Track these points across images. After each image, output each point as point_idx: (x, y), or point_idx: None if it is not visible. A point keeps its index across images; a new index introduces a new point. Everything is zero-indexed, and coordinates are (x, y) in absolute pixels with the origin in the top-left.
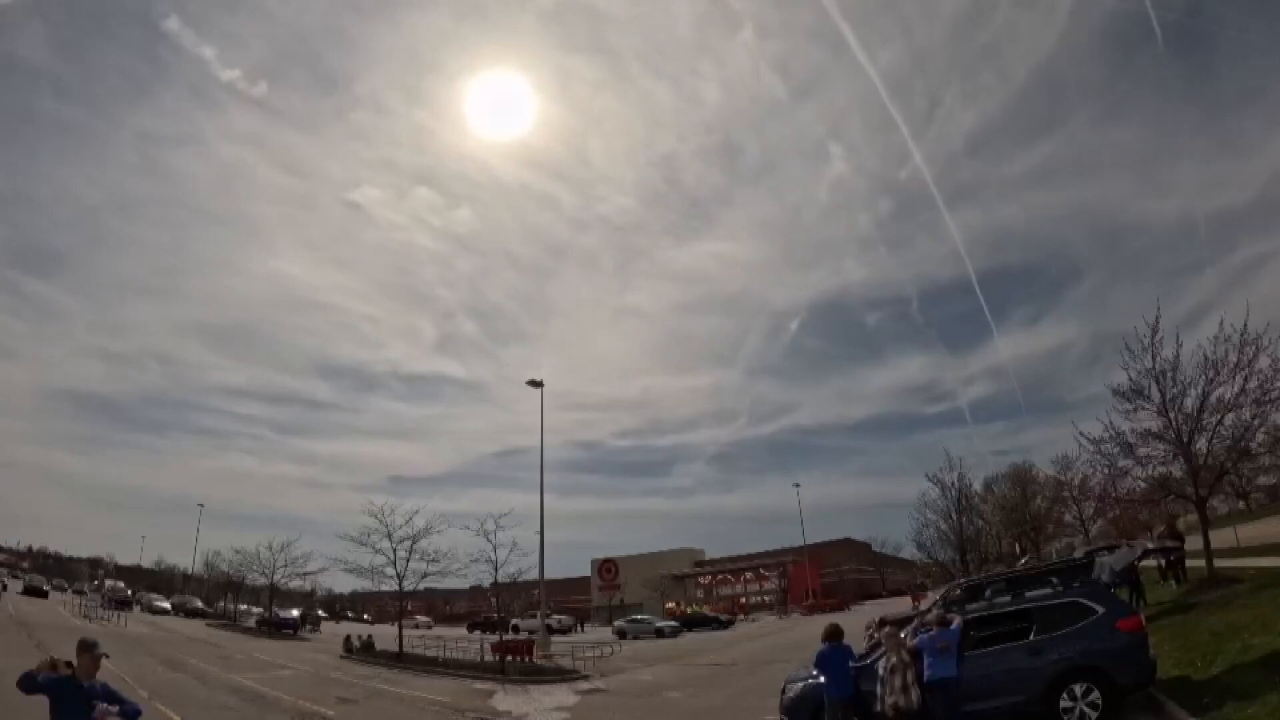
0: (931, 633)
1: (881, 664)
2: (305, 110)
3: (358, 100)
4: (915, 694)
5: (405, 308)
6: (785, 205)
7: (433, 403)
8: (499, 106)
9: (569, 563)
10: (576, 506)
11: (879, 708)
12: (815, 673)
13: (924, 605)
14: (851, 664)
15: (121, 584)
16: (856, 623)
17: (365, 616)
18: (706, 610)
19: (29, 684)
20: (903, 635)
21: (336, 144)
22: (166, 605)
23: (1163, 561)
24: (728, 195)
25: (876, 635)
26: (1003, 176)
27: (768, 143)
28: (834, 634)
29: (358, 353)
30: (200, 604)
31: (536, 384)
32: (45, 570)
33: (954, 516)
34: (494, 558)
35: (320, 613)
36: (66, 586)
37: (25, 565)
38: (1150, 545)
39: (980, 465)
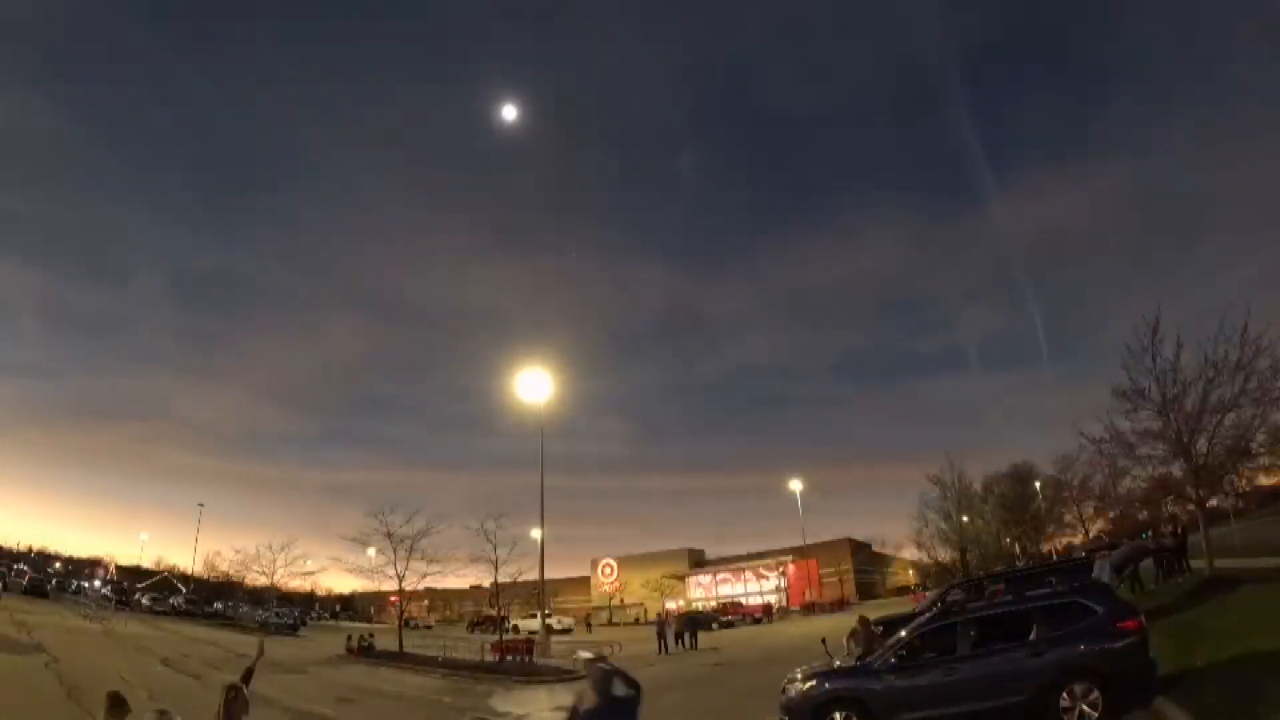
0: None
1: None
2: None
3: None
4: None
5: None
6: None
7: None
8: None
9: (568, 562)
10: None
11: None
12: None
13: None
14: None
15: (123, 584)
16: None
17: (365, 616)
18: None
19: None
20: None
21: None
22: (167, 605)
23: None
24: None
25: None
26: None
27: None
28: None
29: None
30: (200, 604)
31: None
32: (45, 570)
33: (954, 516)
34: (494, 557)
35: (320, 612)
36: (67, 586)
37: (25, 565)
38: (1150, 545)
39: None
